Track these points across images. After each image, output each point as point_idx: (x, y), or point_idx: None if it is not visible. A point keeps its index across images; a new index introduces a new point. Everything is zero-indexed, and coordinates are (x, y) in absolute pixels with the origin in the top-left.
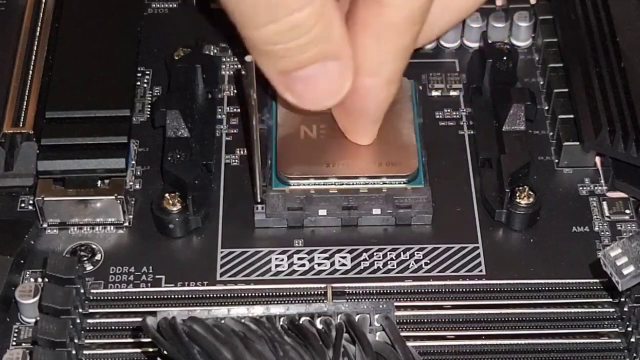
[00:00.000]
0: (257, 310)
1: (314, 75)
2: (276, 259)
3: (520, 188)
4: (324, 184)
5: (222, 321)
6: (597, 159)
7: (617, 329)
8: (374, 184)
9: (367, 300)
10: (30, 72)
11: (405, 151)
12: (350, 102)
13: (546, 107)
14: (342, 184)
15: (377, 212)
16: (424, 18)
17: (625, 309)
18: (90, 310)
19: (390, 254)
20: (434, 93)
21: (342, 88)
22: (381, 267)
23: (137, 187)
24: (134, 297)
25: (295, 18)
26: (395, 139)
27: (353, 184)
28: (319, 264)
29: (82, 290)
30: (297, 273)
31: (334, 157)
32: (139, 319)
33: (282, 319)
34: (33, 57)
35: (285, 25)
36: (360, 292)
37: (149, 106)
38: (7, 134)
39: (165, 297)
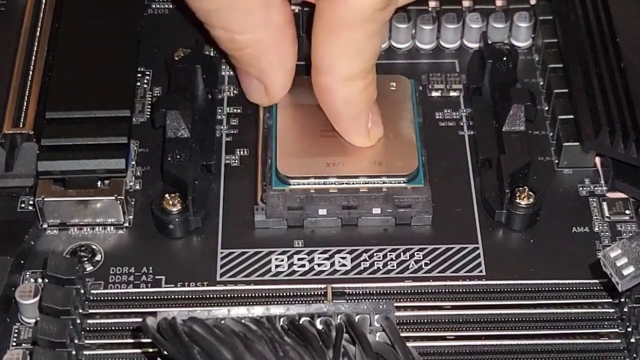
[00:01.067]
0: (257, 311)
1: (241, 76)
2: (276, 259)
3: (520, 188)
4: (324, 183)
5: (222, 321)
6: (597, 160)
7: (617, 330)
8: (374, 183)
9: (367, 300)
10: (31, 72)
11: (405, 150)
12: (322, 102)
13: (546, 108)
14: (342, 183)
15: (377, 211)
16: (381, 17)
17: (625, 310)
18: (91, 311)
19: (390, 255)
20: (434, 93)
21: (257, 100)
22: (381, 268)
23: (137, 187)
24: (134, 297)
25: (234, 37)
26: (395, 138)
27: (353, 183)
28: (319, 265)
29: (82, 291)
30: (297, 273)
31: (334, 156)
32: (139, 320)
33: (282, 320)
34: (33, 57)
35: (227, 37)
36: (360, 292)
37: (149, 106)
38: (7, 134)
39: (166, 297)
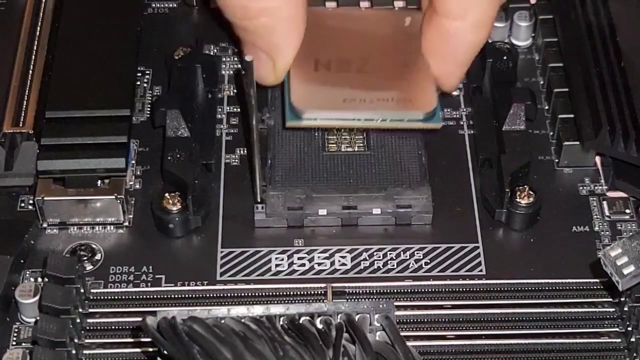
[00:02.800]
0: (257, 310)
1: (247, 49)
2: (276, 258)
3: (521, 188)
4: (339, 120)
5: (222, 321)
6: (597, 159)
7: (617, 329)
8: (391, 121)
9: (367, 300)
10: (30, 71)
11: (422, 88)
12: (439, 45)
13: (546, 107)
14: (359, 120)
15: (377, 211)
16: None
17: (626, 309)
18: (90, 310)
19: (390, 254)
20: None
21: (262, 77)
22: (381, 267)
23: (137, 186)
24: (134, 296)
25: (248, 4)
26: (412, 75)
27: (370, 120)
28: (319, 264)
29: (82, 290)
30: (297, 273)
31: (349, 92)
32: (139, 319)
33: (282, 319)
34: (33, 56)
35: (240, 4)
36: (360, 291)
37: (149, 106)
38: (7, 133)
39: (165, 296)
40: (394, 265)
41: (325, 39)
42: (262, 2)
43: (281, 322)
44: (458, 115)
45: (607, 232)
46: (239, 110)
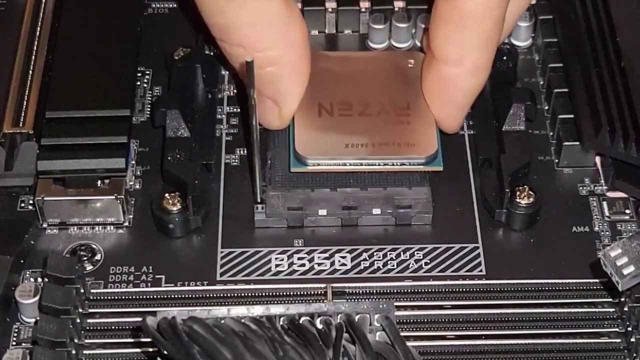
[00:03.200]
0: (257, 310)
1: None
2: (276, 258)
3: (520, 188)
4: (343, 165)
5: (222, 321)
6: (597, 159)
7: (617, 329)
8: (393, 165)
9: (367, 300)
10: (30, 72)
11: (424, 131)
12: (439, 90)
13: (546, 107)
14: (362, 164)
15: (377, 212)
16: (504, 1)
17: (625, 309)
18: (90, 310)
19: (390, 254)
20: None
21: (268, 123)
22: (381, 267)
23: (137, 187)
24: (134, 297)
25: (253, 55)
26: (414, 118)
27: (372, 165)
28: (319, 264)
29: (82, 290)
30: (297, 273)
31: (352, 138)
32: (139, 319)
33: (282, 319)
34: (33, 56)
35: (245, 54)
36: (360, 292)
37: (149, 106)
38: (7, 133)
39: (165, 297)
40: (394, 266)
41: (328, 82)
42: (266, 51)
43: (281, 323)
44: None
45: (607, 232)
46: (239, 110)
